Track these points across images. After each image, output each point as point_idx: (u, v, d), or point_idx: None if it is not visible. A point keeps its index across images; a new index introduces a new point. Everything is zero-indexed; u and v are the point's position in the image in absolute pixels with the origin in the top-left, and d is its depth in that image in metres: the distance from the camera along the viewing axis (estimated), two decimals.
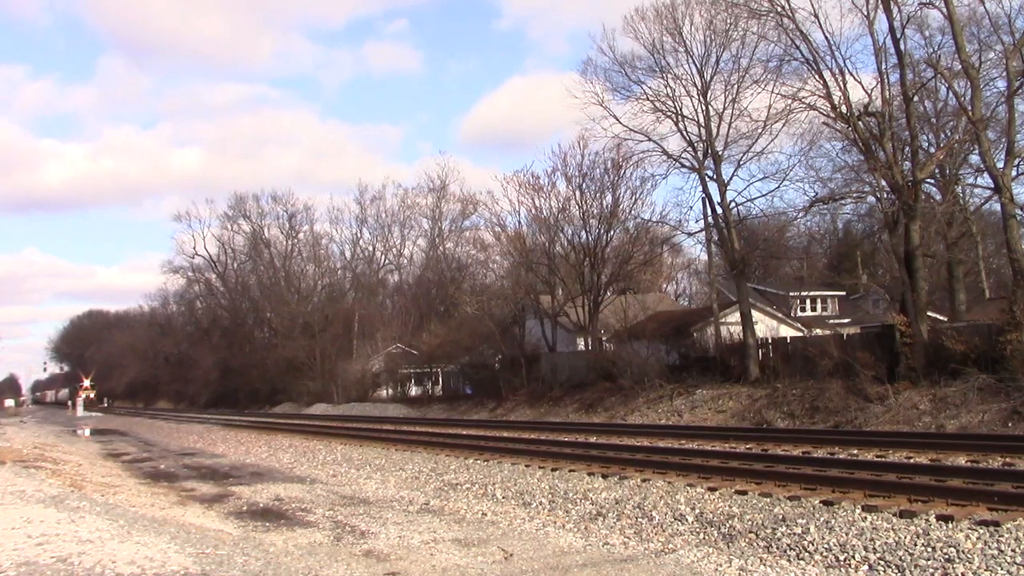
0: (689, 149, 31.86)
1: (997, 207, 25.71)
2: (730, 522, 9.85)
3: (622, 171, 37.80)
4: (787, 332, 36.51)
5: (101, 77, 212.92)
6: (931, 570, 7.57)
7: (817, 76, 25.64)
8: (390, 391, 56.37)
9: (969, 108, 23.29)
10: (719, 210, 31.37)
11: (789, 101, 26.40)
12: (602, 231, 39.45)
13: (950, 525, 8.58)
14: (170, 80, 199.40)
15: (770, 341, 30.61)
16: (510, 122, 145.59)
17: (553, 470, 14.87)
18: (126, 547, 8.06)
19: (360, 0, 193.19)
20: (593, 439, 21.25)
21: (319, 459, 20.83)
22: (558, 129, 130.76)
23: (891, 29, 24.48)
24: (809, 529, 9.08)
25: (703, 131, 31.31)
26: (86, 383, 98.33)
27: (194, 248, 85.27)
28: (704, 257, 41.71)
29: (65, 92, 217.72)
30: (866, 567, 7.95)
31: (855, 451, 15.47)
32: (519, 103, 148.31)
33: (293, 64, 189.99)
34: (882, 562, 7.94)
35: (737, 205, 31.16)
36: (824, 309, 47.51)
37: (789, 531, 9.14)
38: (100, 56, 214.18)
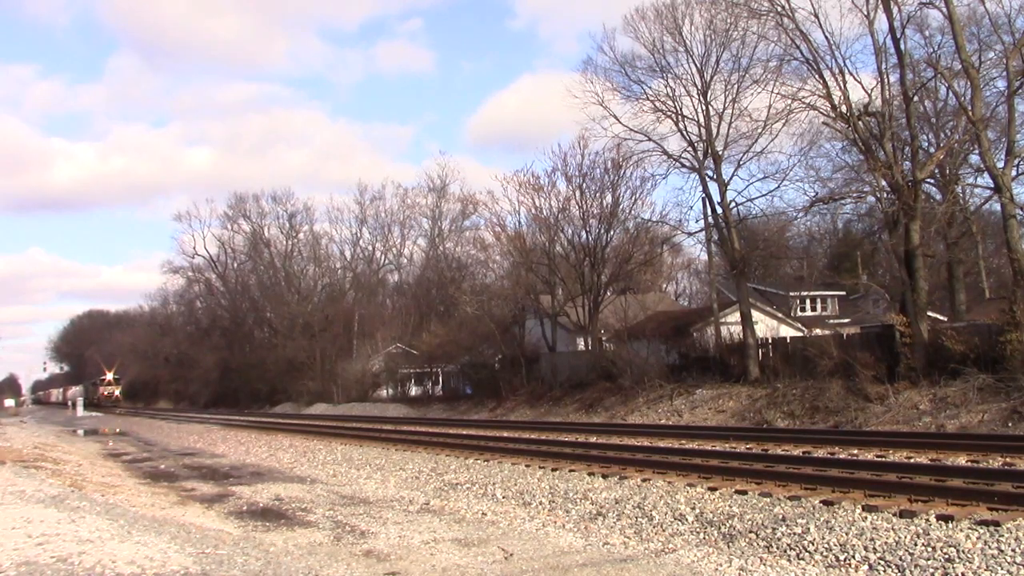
0: (689, 149, 31.92)
1: (997, 207, 25.74)
2: (730, 522, 9.85)
3: (622, 171, 37.84)
4: (787, 332, 36.48)
5: (111, 76, 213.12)
6: (931, 570, 7.57)
7: (817, 76, 25.65)
8: (390, 391, 56.34)
9: (969, 108, 23.28)
10: (719, 210, 31.39)
11: (789, 101, 26.42)
12: (602, 231, 39.47)
13: (950, 525, 8.58)
14: (181, 79, 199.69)
15: (770, 341, 30.61)
16: (518, 122, 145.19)
17: (553, 470, 14.86)
18: (126, 547, 8.06)
19: (374, 1, 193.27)
20: (593, 439, 21.25)
21: (319, 459, 20.83)
22: (564, 129, 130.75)
23: (891, 29, 24.50)
24: (809, 529, 9.08)
25: (703, 131, 31.35)
26: (109, 376, 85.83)
27: (194, 248, 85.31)
28: (704, 257, 41.80)
29: (75, 91, 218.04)
30: (866, 567, 7.95)
31: (855, 451, 15.47)
32: (528, 102, 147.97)
33: (305, 64, 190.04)
34: (882, 562, 7.94)
35: (737, 205, 31.21)
36: (824, 309, 47.48)
37: (789, 531, 9.14)
38: (111, 55, 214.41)
